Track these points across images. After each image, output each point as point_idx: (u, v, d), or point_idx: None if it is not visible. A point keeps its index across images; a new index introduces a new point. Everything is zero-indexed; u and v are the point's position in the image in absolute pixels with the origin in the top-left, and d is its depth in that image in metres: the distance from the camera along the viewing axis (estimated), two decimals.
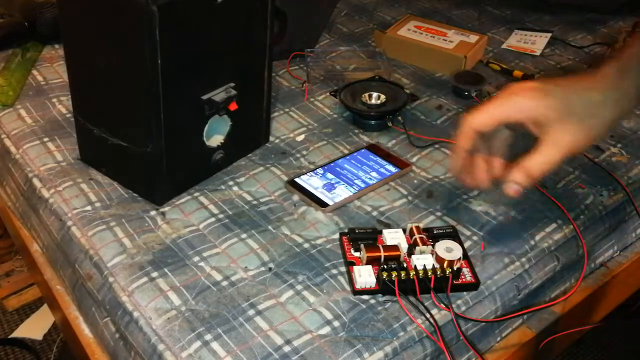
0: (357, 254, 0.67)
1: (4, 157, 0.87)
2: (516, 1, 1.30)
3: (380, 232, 0.69)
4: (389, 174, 0.80)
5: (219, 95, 0.74)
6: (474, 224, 0.73)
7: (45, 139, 0.84)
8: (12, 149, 0.84)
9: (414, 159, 0.84)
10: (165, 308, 0.62)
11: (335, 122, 0.91)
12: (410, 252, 0.67)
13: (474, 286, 0.65)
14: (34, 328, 1.65)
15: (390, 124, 0.89)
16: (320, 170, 0.80)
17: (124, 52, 0.67)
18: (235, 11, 0.71)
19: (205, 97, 0.72)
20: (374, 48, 1.11)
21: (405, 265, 0.65)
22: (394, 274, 0.62)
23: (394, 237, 0.68)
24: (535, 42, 1.14)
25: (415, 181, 0.80)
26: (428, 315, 0.61)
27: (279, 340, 0.59)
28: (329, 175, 0.79)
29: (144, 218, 0.73)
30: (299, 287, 0.65)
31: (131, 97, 0.69)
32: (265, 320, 0.61)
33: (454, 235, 0.69)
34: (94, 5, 0.67)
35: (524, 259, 0.70)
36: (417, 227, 0.68)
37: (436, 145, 0.86)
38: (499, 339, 0.71)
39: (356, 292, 0.64)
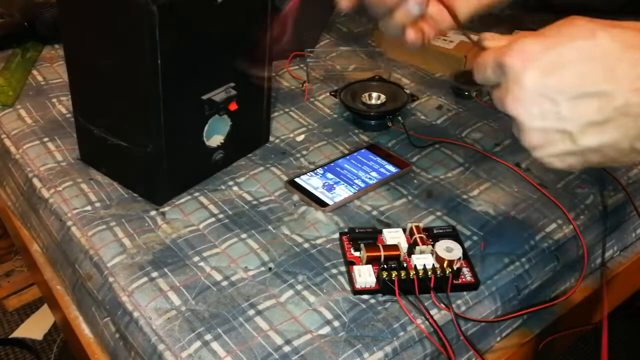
0: (357, 254, 0.67)
1: (4, 157, 0.87)
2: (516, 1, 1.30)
3: (380, 232, 0.69)
4: (389, 174, 0.80)
5: (219, 95, 0.74)
6: (474, 224, 0.73)
7: (45, 139, 0.84)
8: (12, 149, 0.84)
9: (414, 159, 0.84)
10: (165, 308, 0.62)
11: (335, 122, 0.91)
12: (410, 251, 0.67)
13: (474, 286, 0.65)
14: (34, 328, 1.65)
15: (390, 124, 0.89)
16: (320, 170, 0.80)
17: (124, 52, 0.67)
18: (235, 11, 0.71)
19: (205, 97, 0.72)
20: (374, 48, 1.11)
21: (405, 265, 0.65)
22: (394, 273, 0.62)
23: (394, 236, 0.68)
24: None
25: (415, 181, 0.80)
26: (429, 315, 0.61)
27: (279, 340, 0.59)
28: (329, 175, 0.79)
29: (144, 218, 0.73)
30: (299, 287, 0.65)
31: (131, 97, 0.69)
32: (265, 320, 0.61)
33: (454, 235, 0.69)
34: (93, 5, 0.67)
35: (524, 259, 0.70)
36: (417, 227, 0.68)
37: (436, 145, 0.86)
38: (499, 339, 0.71)
39: (356, 291, 0.64)
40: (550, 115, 0.42)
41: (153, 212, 0.73)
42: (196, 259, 0.68)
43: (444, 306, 0.63)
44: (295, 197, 0.77)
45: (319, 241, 0.71)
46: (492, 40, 0.47)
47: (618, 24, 0.42)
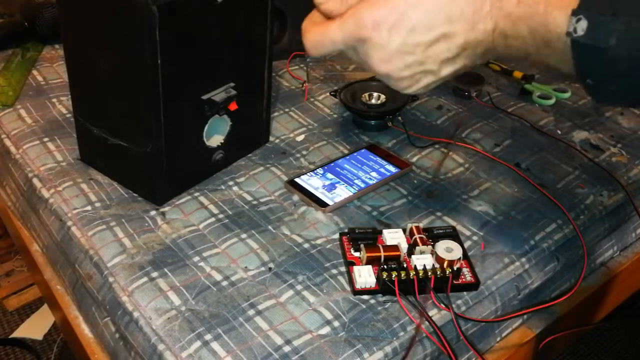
0: (357, 254, 0.67)
1: (4, 157, 0.87)
2: None
3: (380, 232, 0.69)
4: (389, 174, 0.80)
5: (219, 95, 0.74)
6: (474, 224, 0.73)
7: (45, 139, 0.84)
8: (12, 149, 0.84)
9: (414, 159, 0.84)
10: (165, 308, 0.62)
11: (335, 122, 0.91)
12: (410, 252, 0.67)
13: (474, 286, 0.65)
14: (34, 328, 1.65)
15: (390, 124, 0.89)
16: (320, 170, 0.80)
17: (124, 52, 0.67)
18: (235, 11, 0.71)
19: (205, 97, 0.72)
20: None
21: (405, 265, 0.65)
22: (394, 274, 0.62)
23: (394, 237, 0.68)
24: None
25: (415, 181, 0.80)
26: (427, 317, 0.61)
27: (279, 340, 0.59)
28: (329, 175, 0.79)
29: (144, 218, 0.73)
30: (299, 287, 0.65)
31: (131, 97, 0.69)
32: (265, 320, 0.61)
33: (454, 235, 0.69)
34: (93, 5, 0.67)
35: (524, 259, 0.70)
36: (417, 227, 0.68)
37: (436, 145, 0.86)
38: (499, 339, 0.71)
39: (356, 292, 0.64)
40: (414, 64, 0.50)
41: (153, 212, 0.73)
42: (196, 259, 0.68)
43: (444, 306, 0.63)
44: (295, 197, 0.77)
45: (319, 241, 0.71)
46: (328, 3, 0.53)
47: None
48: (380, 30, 0.49)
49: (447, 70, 0.51)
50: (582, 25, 0.42)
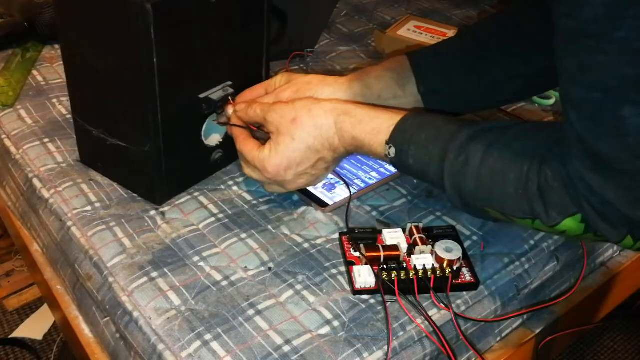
0: (356, 254, 0.67)
1: (4, 157, 0.87)
2: (516, 1, 1.29)
3: (380, 232, 0.69)
4: (388, 173, 0.80)
5: (216, 93, 0.74)
6: (474, 224, 0.73)
7: (46, 140, 0.84)
8: (13, 149, 0.84)
9: None
10: (165, 308, 0.62)
11: None
12: (410, 252, 0.67)
13: (473, 286, 0.65)
14: (34, 328, 1.65)
15: None
16: None
17: (120, 52, 0.67)
18: (231, 10, 0.71)
19: (202, 95, 0.72)
20: (374, 48, 1.11)
21: (405, 265, 0.65)
22: (394, 273, 0.62)
23: (393, 237, 0.68)
24: None
25: (415, 181, 0.80)
26: (427, 316, 0.61)
27: (278, 340, 0.59)
28: (329, 175, 0.79)
29: (144, 218, 0.73)
30: (298, 287, 0.65)
31: (128, 97, 0.69)
32: (265, 320, 0.61)
33: (454, 235, 0.69)
34: (89, 5, 0.67)
35: (524, 259, 0.70)
36: (417, 227, 0.68)
37: None
38: (498, 338, 0.71)
39: (356, 292, 0.64)
40: (310, 177, 0.72)
41: (153, 212, 0.73)
42: (196, 258, 0.68)
43: (443, 306, 0.63)
44: (295, 197, 0.77)
45: (318, 241, 0.71)
46: (241, 111, 0.74)
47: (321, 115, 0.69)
48: (278, 173, 0.70)
49: (332, 169, 0.74)
50: (392, 152, 0.65)
